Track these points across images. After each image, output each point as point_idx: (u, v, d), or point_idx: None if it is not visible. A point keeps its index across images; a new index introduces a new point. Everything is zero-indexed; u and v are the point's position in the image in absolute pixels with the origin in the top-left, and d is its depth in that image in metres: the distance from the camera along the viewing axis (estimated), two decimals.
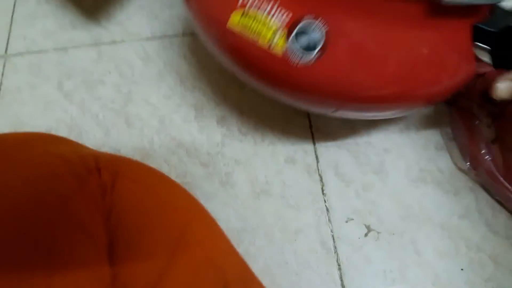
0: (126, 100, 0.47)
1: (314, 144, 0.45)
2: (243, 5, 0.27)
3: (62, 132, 0.46)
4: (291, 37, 0.26)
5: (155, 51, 0.50)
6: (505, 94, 0.31)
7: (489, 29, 0.32)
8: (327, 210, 0.42)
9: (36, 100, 0.47)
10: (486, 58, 0.33)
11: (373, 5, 0.27)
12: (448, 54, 0.31)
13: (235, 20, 0.27)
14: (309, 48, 0.26)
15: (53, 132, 0.47)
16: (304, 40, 0.26)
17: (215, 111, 0.46)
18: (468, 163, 0.42)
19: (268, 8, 0.26)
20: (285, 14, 0.26)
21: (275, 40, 0.26)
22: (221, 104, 0.47)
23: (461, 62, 0.32)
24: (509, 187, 0.39)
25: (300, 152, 0.45)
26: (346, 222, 0.41)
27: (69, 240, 0.24)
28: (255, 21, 0.27)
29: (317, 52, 0.26)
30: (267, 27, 0.27)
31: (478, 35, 0.32)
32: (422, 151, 0.43)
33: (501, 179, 0.40)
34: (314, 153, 0.44)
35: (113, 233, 0.26)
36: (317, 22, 0.26)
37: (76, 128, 0.47)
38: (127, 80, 0.48)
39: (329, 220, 0.42)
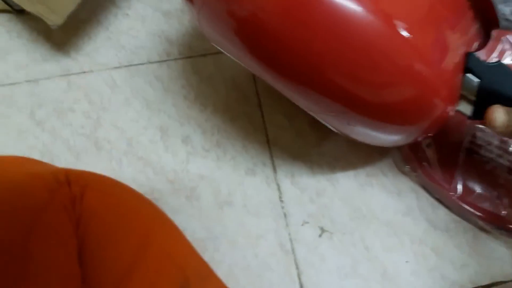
0: (95, 125, 0.51)
1: (272, 157, 0.49)
2: None
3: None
4: None
5: (122, 79, 0.54)
6: (500, 123, 0.31)
7: (482, 60, 0.33)
8: (285, 215, 0.46)
9: (9, 129, 0.50)
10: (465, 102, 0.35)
11: None
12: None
13: None
14: None
15: None
16: None
17: (179, 131, 0.50)
18: (408, 166, 0.46)
19: None
20: None
21: None
22: (185, 124, 0.51)
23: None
24: (445, 185, 0.44)
25: (259, 164, 0.49)
26: (302, 225, 0.45)
27: (42, 247, 0.27)
28: None
29: None
30: None
31: (470, 64, 0.33)
32: (368, 157, 0.48)
33: (437, 178, 0.45)
34: (272, 165, 0.49)
35: (82, 239, 0.29)
36: None
37: (48, 154, 0.50)
38: (96, 107, 0.52)
39: (286, 224, 0.46)
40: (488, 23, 0.35)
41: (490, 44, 0.47)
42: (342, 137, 0.49)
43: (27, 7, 0.49)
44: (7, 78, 0.54)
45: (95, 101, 0.52)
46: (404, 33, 0.29)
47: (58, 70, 0.55)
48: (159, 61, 0.55)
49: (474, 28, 0.34)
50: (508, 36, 0.49)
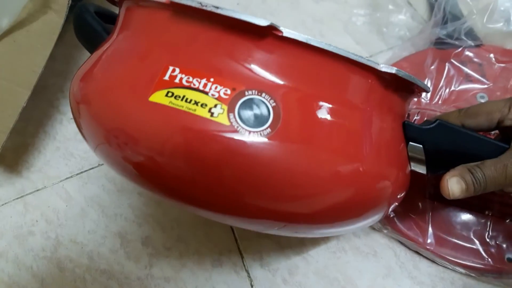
0: (55, 245, 0.49)
1: (237, 240, 0.46)
2: (167, 84, 0.24)
3: None
4: (235, 111, 0.24)
5: (75, 189, 0.52)
6: (458, 193, 0.30)
7: (419, 126, 0.32)
8: None
9: None
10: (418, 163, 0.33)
11: (320, 78, 0.27)
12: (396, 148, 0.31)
13: (159, 97, 0.24)
14: (258, 124, 0.24)
15: None
16: (250, 115, 0.24)
17: (138, 233, 0.48)
18: (378, 222, 0.43)
19: (201, 84, 0.24)
20: (222, 91, 0.24)
21: (216, 113, 0.24)
22: (143, 224, 0.49)
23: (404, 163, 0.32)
24: (417, 238, 0.41)
25: (225, 252, 0.46)
26: None
27: None
28: (185, 98, 0.24)
29: (266, 127, 0.24)
30: (203, 102, 0.24)
31: (409, 133, 0.32)
32: None
33: (408, 232, 0.41)
34: (238, 249, 0.46)
35: None
36: (261, 96, 0.24)
37: (14, 285, 0.48)
38: (54, 225, 0.50)
39: None
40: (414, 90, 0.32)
41: (434, 69, 0.45)
42: None
43: None
44: None
45: (52, 219, 0.51)
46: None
47: (13, 194, 0.54)
48: None
49: (400, 101, 0.32)
50: (453, 60, 0.47)
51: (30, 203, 0.53)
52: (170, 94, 0.24)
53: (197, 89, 0.24)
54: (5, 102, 0.49)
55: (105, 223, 0.49)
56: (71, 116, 0.59)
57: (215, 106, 0.24)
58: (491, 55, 0.48)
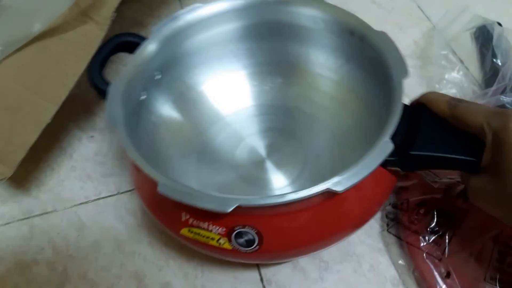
0: (62, 279, 0.44)
1: None
2: (187, 223, 0.35)
3: None
4: (231, 241, 0.34)
5: (89, 217, 0.47)
6: None
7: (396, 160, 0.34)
8: None
9: None
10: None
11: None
12: None
13: (185, 232, 0.35)
14: (249, 244, 0.34)
15: None
16: (242, 241, 0.34)
17: (157, 277, 0.43)
18: None
19: (206, 226, 0.34)
20: (219, 229, 0.34)
21: (221, 242, 0.34)
22: (164, 268, 0.44)
23: None
24: None
25: None
26: None
27: None
28: (200, 234, 0.34)
29: (255, 246, 0.34)
30: (211, 236, 0.34)
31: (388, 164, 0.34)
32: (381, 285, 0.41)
33: None
34: None
35: None
36: (246, 228, 0.33)
37: None
38: (62, 255, 0.45)
39: None
40: None
41: None
42: (347, 266, 0.43)
43: None
44: None
45: (61, 248, 0.46)
46: None
47: (18, 213, 0.49)
48: (130, 190, 0.49)
49: None
50: None
51: (37, 227, 0.48)
52: (191, 231, 0.35)
53: (205, 229, 0.34)
54: (27, 115, 0.45)
55: (121, 261, 0.45)
56: (92, 134, 0.54)
57: (219, 239, 0.34)
58: None
